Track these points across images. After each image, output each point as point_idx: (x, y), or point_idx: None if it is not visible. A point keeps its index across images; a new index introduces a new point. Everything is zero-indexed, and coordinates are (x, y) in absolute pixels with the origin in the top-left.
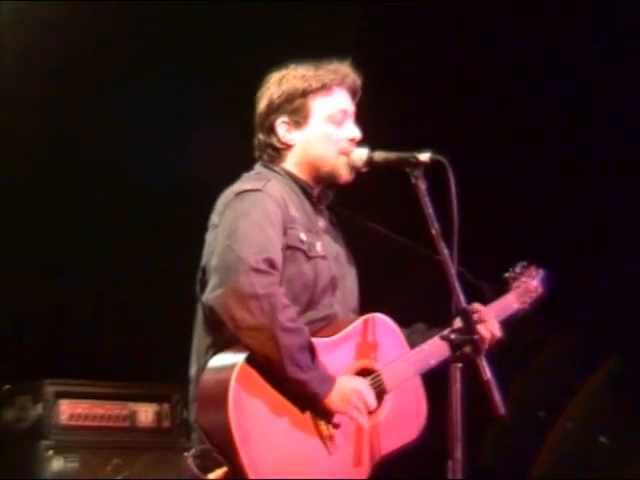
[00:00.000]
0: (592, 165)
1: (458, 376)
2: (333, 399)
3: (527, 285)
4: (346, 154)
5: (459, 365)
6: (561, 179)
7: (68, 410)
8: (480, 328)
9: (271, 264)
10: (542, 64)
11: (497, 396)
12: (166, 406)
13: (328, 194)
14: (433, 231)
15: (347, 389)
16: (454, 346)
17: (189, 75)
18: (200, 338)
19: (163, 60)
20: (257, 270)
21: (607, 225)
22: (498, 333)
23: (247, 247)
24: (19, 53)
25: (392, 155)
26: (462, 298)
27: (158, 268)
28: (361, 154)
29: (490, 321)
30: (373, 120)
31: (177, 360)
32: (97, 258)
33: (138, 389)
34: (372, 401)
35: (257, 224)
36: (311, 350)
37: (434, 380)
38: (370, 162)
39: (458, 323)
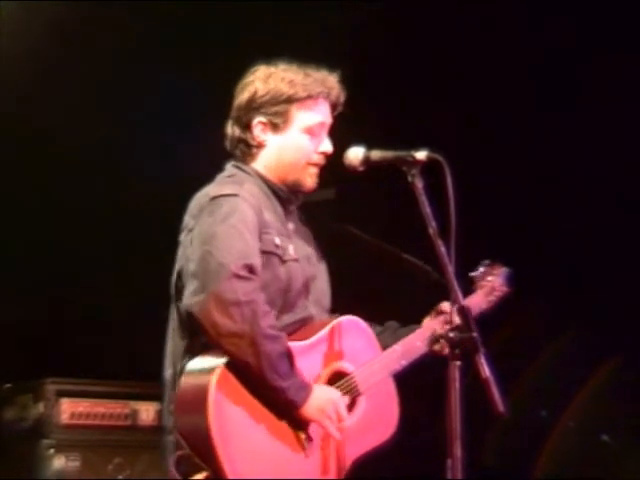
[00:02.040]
0: (592, 163)
1: (457, 374)
2: (309, 407)
3: (493, 284)
4: (315, 165)
5: (458, 363)
6: (559, 177)
7: (69, 409)
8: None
9: (251, 270)
10: (542, 62)
11: (496, 394)
12: None
13: (298, 196)
14: (430, 230)
15: (322, 399)
16: (453, 344)
17: (189, 75)
18: (176, 341)
19: (163, 59)
20: (238, 276)
21: (607, 223)
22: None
23: (227, 253)
24: (19, 53)
25: (389, 154)
26: (460, 296)
27: (159, 267)
28: (357, 153)
29: None
30: (370, 119)
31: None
32: (98, 257)
33: (139, 388)
34: (344, 412)
35: (236, 230)
36: (290, 357)
37: (434, 378)
38: (367, 161)
39: (456, 320)
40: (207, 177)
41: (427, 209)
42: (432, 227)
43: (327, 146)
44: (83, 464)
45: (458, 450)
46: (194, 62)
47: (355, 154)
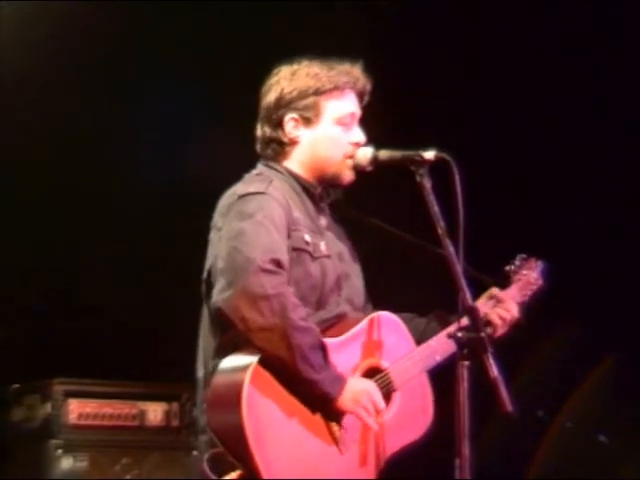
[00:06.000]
0: (595, 161)
1: (465, 374)
2: (344, 399)
3: (528, 278)
4: (350, 157)
5: (466, 363)
6: (563, 175)
7: (77, 409)
8: (499, 310)
9: (278, 264)
10: (544, 60)
11: (504, 393)
12: (175, 405)
13: (330, 192)
14: (439, 229)
15: (357, 390)
16: (461, 344)
17: (190, 75)
18: (207, 340)
19: (164, 60)
20: (266, 270)
21: (608, 221)
22: (517, 314)
23: (254, 248)
24: (20, 53)
25: (397, 153)
26: (468, 296)
27: (166, 267)
28: (366, 153)
29: (508, 302)
30: (377, 118)
31: (186, 359)
32: (105, 256)
33: (147, 388)
34: (381, 402)
35: (263, 226)
36: (323, 349)
37: (440, 378)
38: (375, 161)
39: (465, 321)
40: (213, 177)
41: (435, 208)
42: (440, 227)
43: (360, 136)
44: (91, 464)
45: (466, 450)
46: (198, 63)
47: (363, 154)
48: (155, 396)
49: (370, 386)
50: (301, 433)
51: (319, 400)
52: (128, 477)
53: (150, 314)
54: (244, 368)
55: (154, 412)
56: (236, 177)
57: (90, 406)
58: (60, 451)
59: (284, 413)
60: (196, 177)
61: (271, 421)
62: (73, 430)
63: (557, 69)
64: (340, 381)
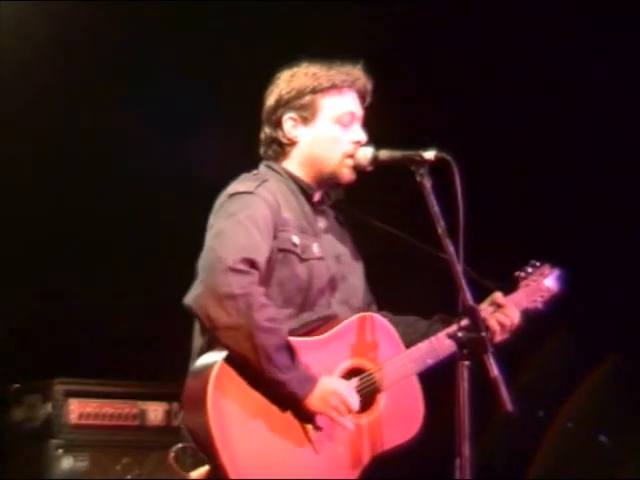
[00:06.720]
0: (598, 163)
1: (466, 374)
2: (313, 399)
3: (537, 284)
4: (350, 156)
5: (466, 363)
6: (563, 175)
7: (78, 409)
8: (499, 315)
9: (251, 264)
10: (546, 60)
11: (504, 393)
12: (176, 405)
13: (330, 195)
14: (439, 229)
15: (327, 389)
16: (461, 344)
17: (191, 76)
18: (196, 339)
19: (165, 61)
20: (235, 270)
21: (611, 222)
22: (517, 320)
23: (227, 248)
24: (21, 53)
25: (397, 153)
26: (469, 296)
27: (167, 267)
28: (366, 153)
29: (509, 308)
30: (377, 118)
31: (187, 359)
32: (107, 257)
33: (148, 388)
34: (353, 402)
35: (242, 226)
36: (290, 350)
37: (440, 378)
38: (375, 161)
39: (465, 321)
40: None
41: (435, 208)
42: (441, 226)
43: (360, 135)
44: (91, 464)
45: (467, 450)
46: (198, 63)
47: (363, 154)
48: (155, 396)
49: (340, 385)
50: (270, 432)
51: (288, 400)
52: (129, 477)
53: (150, 314)
54: (210, 366)
55: (154, 412)
56: (237, 177)
57: (91, 406)
58: (61, 451)
59: (251, 411)
60: (196, 177)
61: (237, 419)
62: (74, 430)
63: (558, 69)
64: (310, 381)
